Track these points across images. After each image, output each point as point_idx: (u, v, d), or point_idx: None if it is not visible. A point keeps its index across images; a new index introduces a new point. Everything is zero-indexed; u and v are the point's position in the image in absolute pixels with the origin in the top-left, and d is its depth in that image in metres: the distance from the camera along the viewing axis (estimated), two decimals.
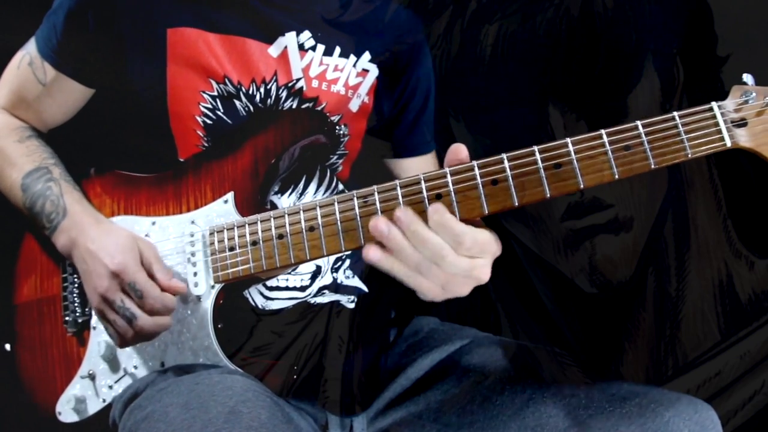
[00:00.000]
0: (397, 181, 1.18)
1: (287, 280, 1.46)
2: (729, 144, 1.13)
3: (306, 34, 1.47)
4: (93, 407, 1.43)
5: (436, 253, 1.10)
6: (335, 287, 1.50)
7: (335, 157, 1.53)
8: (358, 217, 1.20)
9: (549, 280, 2.02)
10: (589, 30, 1.88)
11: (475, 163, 1.16)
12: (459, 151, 1.16)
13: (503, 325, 2.05)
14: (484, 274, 1.14)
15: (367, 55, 1.53)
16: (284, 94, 1.46)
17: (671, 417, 1.23)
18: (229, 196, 1.38)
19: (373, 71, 1.54)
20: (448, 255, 1.10)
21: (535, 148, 1.15)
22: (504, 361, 1.45)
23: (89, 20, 1.43)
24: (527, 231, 2.00)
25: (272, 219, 1.28)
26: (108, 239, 1.36)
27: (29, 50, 1.50)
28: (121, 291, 1.31)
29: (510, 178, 1.14)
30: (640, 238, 1.95)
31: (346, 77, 1.50)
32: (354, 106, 1.52)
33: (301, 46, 1.47)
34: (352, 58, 1.51)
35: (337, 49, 1.50)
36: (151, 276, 1.33)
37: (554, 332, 2.02)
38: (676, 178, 1.94)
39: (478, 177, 1.15)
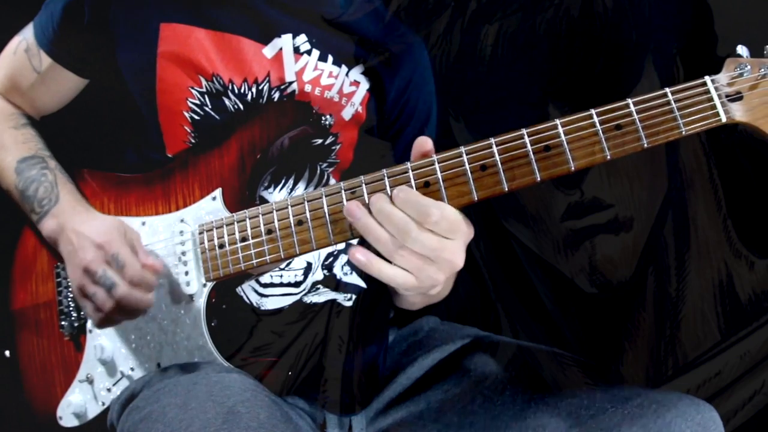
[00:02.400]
0: (384, 171, 1.17)
1: (281, 276, 1.46)
2: (724, 119, 1.10)
3: (302, 38, 1.47)
4: (92, 411, 1.43)
5: (400, 229, 1.09)
6: (335, 284, 1.50)
7: (326, 165, 1.52)
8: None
9: (549, 280, 2.02)
10: (589, 30, 1.88)
11: (463, 148, 1.15)
12: (424, 143, 1.16)
13: (503, 325, 2.05)
14: (457, 258, 1.12)
15: (359, 68, 1.52)
16: (276, 95, 1.46)
17: (673, 418, 1.23)
18: (217, 192, 1.38)
19: (365, 84, 1.52)
20: (412, 230, 1.09)
21: (524, 131, 1.13)
22: (505, 361, 1.45)
23: (85, 11, 1.43)
24: (527, 231, 2.00)
25: (260, 215, 1.28)
26: (95, 221, 1.38)
27: (26, 36, 1.51)
28: (104, 262, 1.31)
29: (499, 162, 1.13)
30: (640, 238, 1.95)
31: (341, 85, 1.49)
32: (347, 114, 1.51)
33: (296, 49, 1.46)
34: (344, 68, 1.50)
35: (330, 58, 1.49)
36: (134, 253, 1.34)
37: (554, 332, 2.02)
38: (676, 178, 1.93)
39: (467, 163, 1.14)
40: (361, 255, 1.12)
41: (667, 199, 1.94)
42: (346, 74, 1.50)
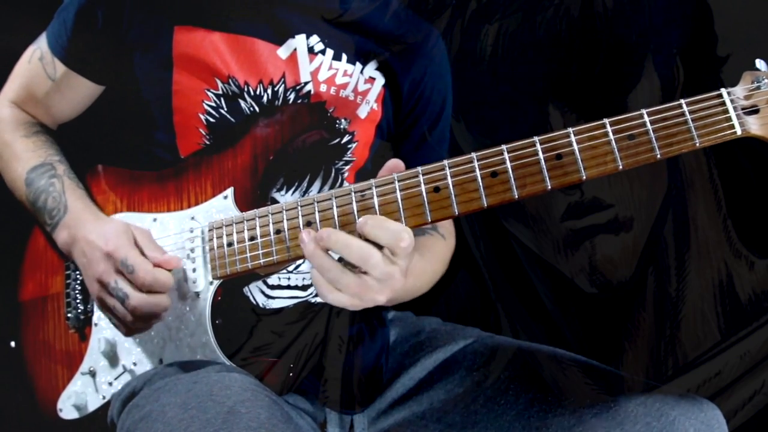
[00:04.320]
0: (395, 175, 1.17)
1: (288, 278, 1.46)
2: (740, 132, 1.09)
3: (315, 38, 1.46)
4: (93, 404, 1.42)
5: (363, 256, 1.12)
6: None
7: (341, 163, 1.51)
8: (356, 212, 1.19)
9: (549, 280, 2.02)
10: (589, 30, 1.88)
11: (474, 155, 1.14)
12: (396, 166, 1.18)
13: (503, 325, 2.05)
14: (403, 278, 1.16)
15: (374, 63, 1.52)
16: (292, 97, 1.45)
17: (677, 416, 1.22)
18: (229, 191, 1.38)
19: (380, 79, 1.52)
20: (374, 256, 1.12)
21: (536, 139, 1.12)
22: (507, 360, 1.45)
23: (98, 17, 1.43)
24: (527, 231, 2.00)
25: (270, 215, 1.28)
26: (103, 227, 1.37)
27: (40, 45, 1.51)
28: (115, 272, 1.31)
29: (510, 170, 1.12)
30: (640, 238, 1.95)
31: (355, 83, 1.49)
32: (362, 112, 1.51)
33: (311, 49, 1.45)
34: (359, 65, 1.50)
35: (344, 56, 1.48)
36: (144, 255, 1.33)
37: (554, 332, 2.02)
38: (676, 178, 1.94)
39: (477, 169, 1.14)
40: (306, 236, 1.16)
41: (667, 199, 1.94)
42: (361, 71, 1.49)
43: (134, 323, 1.32)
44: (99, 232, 1.35)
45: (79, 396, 1.43)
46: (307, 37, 1.45)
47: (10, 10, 1.66)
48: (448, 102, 1.63)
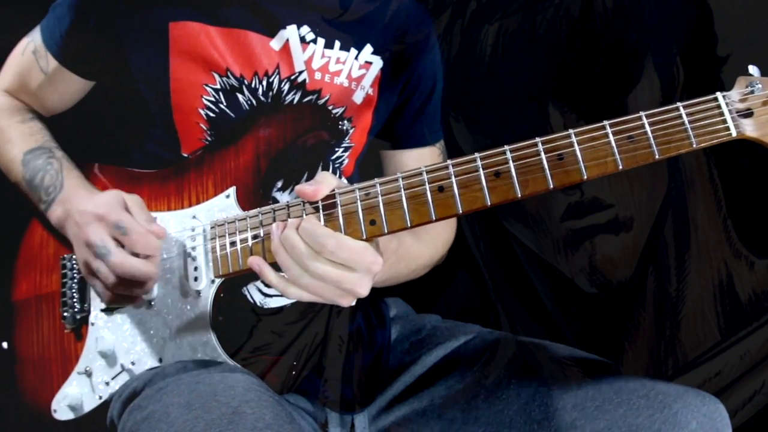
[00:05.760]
0: (399, 174, 1.20)
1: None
2: (734, 134, 1.14)
3: (306, 28, 1.47)
4: (89, 404, 1.41)
5: (298, 257, 1.17)
6: None
7: (341, 150, 1.52)
8: (360, 210, 1.20)
9: (549, 280, 2.02)
10: (589, 30, 1.88)
11: (477, 155, 1.17)
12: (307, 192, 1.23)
13: (503, 325, 2.05)
14: (359, 288, 1.19)
15: (369, 48, 1.53)
16: (286, 87, 1.46)
17: (679, 408, 1.23)
18: (231, 191, 1.38)
19: (377, 63, 1.53)
20: (309, 259, 1.16)
21: (538, 139, 1.16)
22: (508, 356, 1.45)
23: (92, 14, 1.43)
24: (527, 231, 2.00)
25: (273, 212, 1.28)
26: (96, 197, 1.38)
27: (34, 38, 1.53)
28: (106, 234, 1.31)
29: (513, 169, 1.16)
30: (640, 238, 1.95)
31: (349, 69, 1.50)
32: (358, 98, 1.52)
33: (302, 39, 1.47)
34: (353, 51, 1.51)
35: (337, 43, 1.50)
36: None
37: (554, 332, 2.02)
38: (676, 178, 1.94)
39: (481, 169, 1.17)
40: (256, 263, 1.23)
41: (667, 199, 1.94)
42: (356, 57, 1.51)
43: (116, 286, 1.31)
44: (91, 200, 1.36)
45: (74, 396, 1.41)
46: (298, 28, 1.46)
47: (10, 10, 1.66)
48: (438, 80, 1.65)
